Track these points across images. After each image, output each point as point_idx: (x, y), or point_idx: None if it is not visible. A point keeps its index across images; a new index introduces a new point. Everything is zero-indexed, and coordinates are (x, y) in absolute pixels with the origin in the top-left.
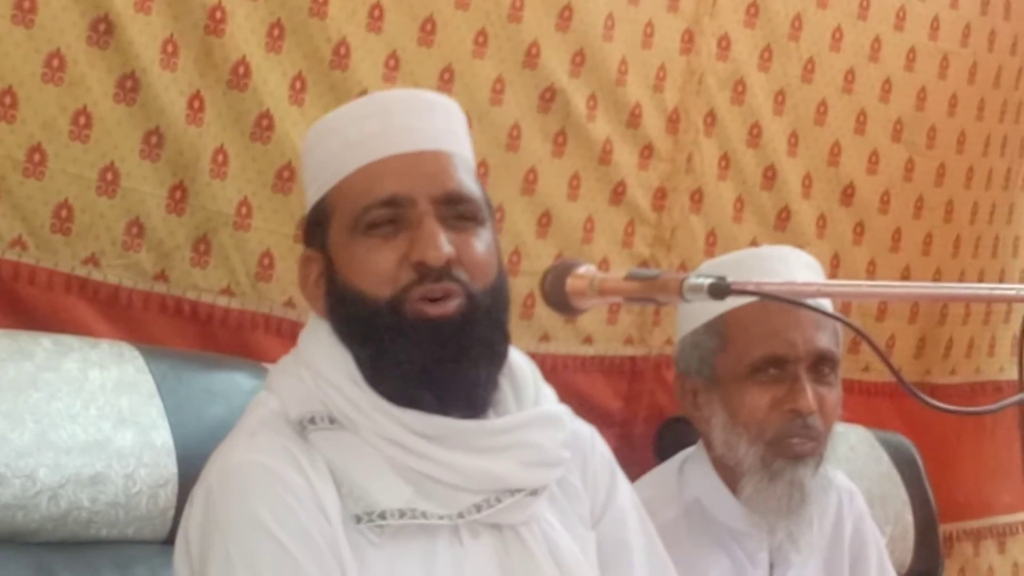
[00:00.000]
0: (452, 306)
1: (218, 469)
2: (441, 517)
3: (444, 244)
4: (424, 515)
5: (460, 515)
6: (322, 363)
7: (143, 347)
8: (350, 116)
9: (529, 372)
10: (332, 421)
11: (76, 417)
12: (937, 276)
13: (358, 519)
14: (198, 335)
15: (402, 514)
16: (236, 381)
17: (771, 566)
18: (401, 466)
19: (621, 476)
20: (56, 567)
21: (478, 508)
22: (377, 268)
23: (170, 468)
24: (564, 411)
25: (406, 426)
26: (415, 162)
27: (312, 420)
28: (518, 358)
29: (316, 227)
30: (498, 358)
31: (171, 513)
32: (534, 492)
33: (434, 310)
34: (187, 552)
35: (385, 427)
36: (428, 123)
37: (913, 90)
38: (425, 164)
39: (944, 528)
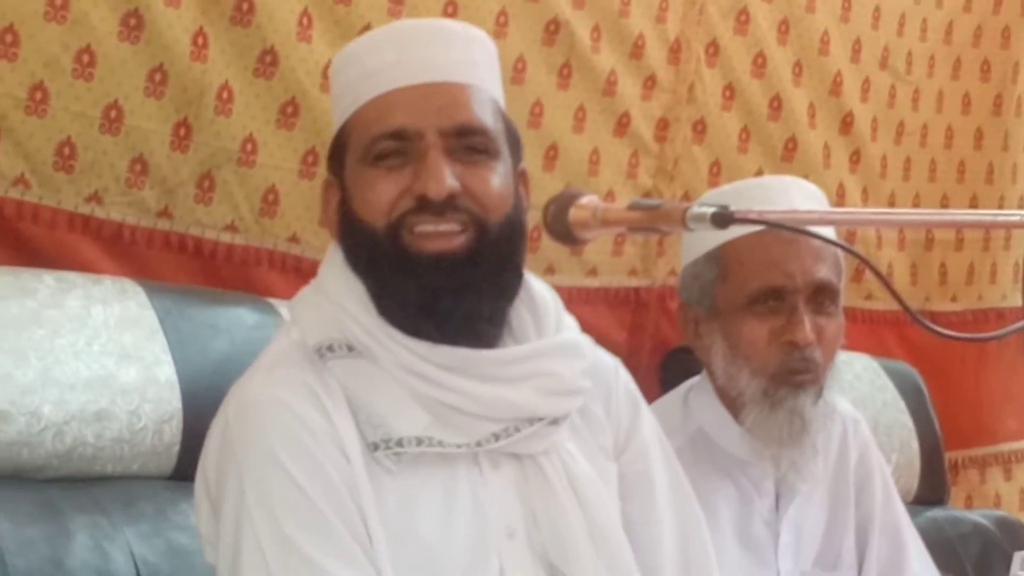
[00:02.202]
0: (455, 242)
1: (236, 403)
2: (459, 446)
3: (448, 177)
4: (441, 443)
5: (478, 443)
6: (338, 292)
7: (146, 283)
8: (369, 44)
9: (551, 301)
10: (350, 349)
11: (80, 354)
12: (916, 202)
13: (375, 447)
14: (202, 271)
15: (419, 442)
16: (239, 316)
17: (777, 495)
18: (419, 395)
19: (645, 409)
20: (62, 503)
21: (496, 437)
22: (379, 198)
23: (174, 403)
24: (585, 340)
25: (421, 356)
26: (427, 94)
27: (330, 348)
28: (540, 288)
29: (336, 155)
30: (507, 293)
31: (176, 449)
32: (554, 421)
33: (434, 245)
34: (205, 485)
35: (402, 356)
36: (445, 54)
37: (895, 17)
38: (437, 96)
39: (949, 456)
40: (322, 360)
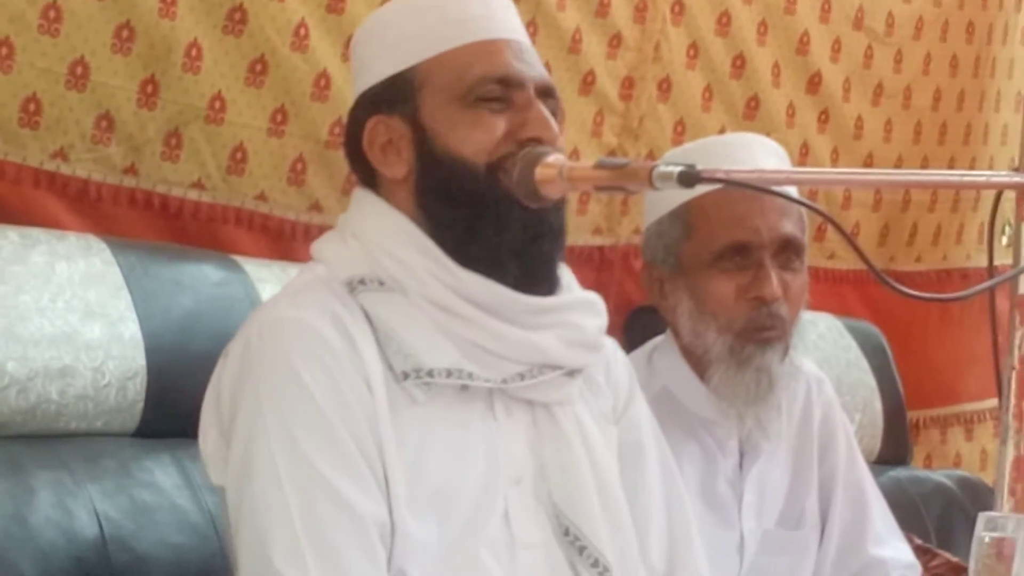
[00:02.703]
0: None
1: (258, 324)
2: (487, 380)
3: (554, 125)
4: (471, 376)
5: (504, 381)
6: (371, 230)
7: (110, 239)
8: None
9: (563, 267)
10: (381, 283)
11: (44, 310)
12: (899, 163)
13: (405, 375)
14: (168, 229)
15: (449, 373)
16: (204, 273)
17: (741, 454)
18: (448, 331)
19: (639, 388)
20: (26, 460)
21: (522, 376)
22: (483, 137)
23: (139, 360)
24: (600, 301)
25: (459, 291)
26: (519, 50)
27: (362, 281)
28: None
29: (396, 96)
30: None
31: (140, 406)
32: (570, 373)
33: None
34: (217, 407)
35: (436, 291)
36: (516, 18)
37: None
38: (526, 53)
39: (911, 415)
40: (352, 293)
